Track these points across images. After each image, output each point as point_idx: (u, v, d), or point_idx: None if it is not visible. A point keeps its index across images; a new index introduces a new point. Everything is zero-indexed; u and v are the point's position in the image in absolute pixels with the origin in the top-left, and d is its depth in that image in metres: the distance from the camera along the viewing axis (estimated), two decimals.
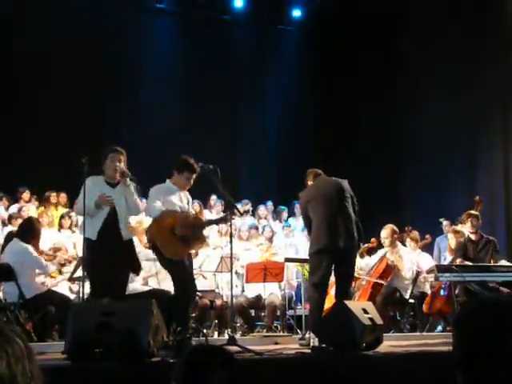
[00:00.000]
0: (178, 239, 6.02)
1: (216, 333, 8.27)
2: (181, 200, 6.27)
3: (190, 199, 6.52)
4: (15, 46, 11.25)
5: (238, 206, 10.40)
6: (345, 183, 6.54)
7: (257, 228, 9.72)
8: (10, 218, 8.89)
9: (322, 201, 6.37)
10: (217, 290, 8.48)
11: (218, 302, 8.27)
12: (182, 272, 6.07)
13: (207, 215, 10.11)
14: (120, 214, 6.09)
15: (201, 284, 7.76)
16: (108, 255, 5.89)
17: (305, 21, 13.62)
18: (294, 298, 8.98)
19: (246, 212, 7.11)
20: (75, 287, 7.76)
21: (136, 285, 7.25)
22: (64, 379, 4.14)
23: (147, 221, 7.14)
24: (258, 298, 8.53)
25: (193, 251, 6.65)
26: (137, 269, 6.45)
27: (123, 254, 6.10)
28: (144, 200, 7.07)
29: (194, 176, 6.27)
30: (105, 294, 5.82)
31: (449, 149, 11.54)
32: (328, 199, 6.37)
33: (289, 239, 10.22)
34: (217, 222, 7.13)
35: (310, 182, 6.67)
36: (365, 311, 5.61)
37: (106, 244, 5.92)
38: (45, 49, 11.23)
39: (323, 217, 6.29)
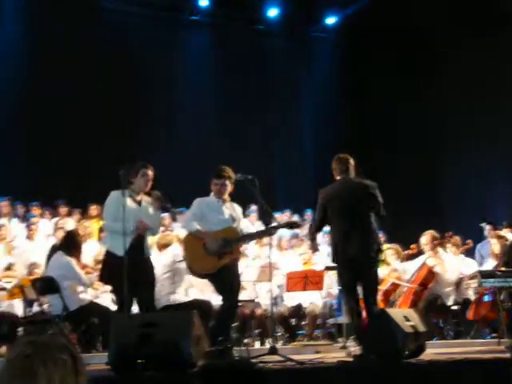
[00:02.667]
0: (207, 254, 6.05)
1: (257, 342, 8.27)
2: (221, 213, 6.23)
3: (238, 210, 6.42)
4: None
5: (277, 215, 10.46)
6: (371, 186, 6.20)
7: (297, 237, 9.69)
8: (55, 231, 9.05)
9: (341, 207, 6.11)
10: (257, 300, 8.48)
11: (259, 311, 8.27)
12: (221, 283, 6.10)
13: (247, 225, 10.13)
14: (145, 233, 6.22)
15: (241, 294, 7.77)
16: (134, 270, 5.90)
17: (339, 28, 13.62)
18: (335, 306, 8.92)
19: (293, 224, 6.98)
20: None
21: (177, 296, 7.30)
22: None
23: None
24: (299, 306, 8.51)
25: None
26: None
27: (147, 268, 6.24)
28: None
29: (222, 181, 6.19)
30: (130, 308, 5.94)
31: (489, 152, 11.41)
32: (347, 206, 6.10)
33: (329, 247, 10.13)
34: (256, 235, 7.04)
35: (335, 173, 6.29)
36: (406, 319, 5.55)
37: (132, 259, 5.91)
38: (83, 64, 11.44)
39: (343, 222, 6.07)
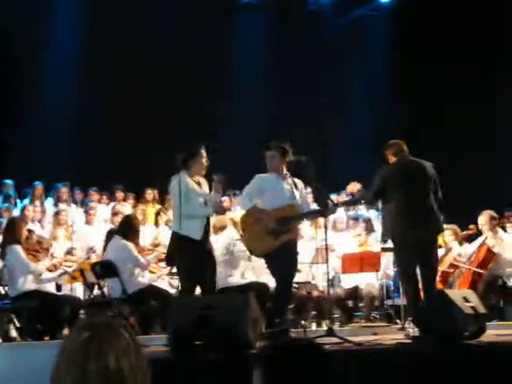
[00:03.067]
0: (264, 233, 6.00)
1: (314, 324, 8.28)
2: (280, 189, 6.13)
3: (300, 186, 6.31)
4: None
5: (333, 196, 10.39)
6: (429, 167, 6.14)
7: (355, 219, 9.60)
8: (113, 215, 9.21)
9: (403, 185, 5.99)
10: (313, 282, 8.47)
11: (315, 293, 8.27)
12: (277, 263, 6.07)
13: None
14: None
15: (296, 276, 7.77)
16: (205, 254, 6.02)
17: (393, 6, 13.38)
18: (392, 288, 8.85)
19: (354, 202, 6.91)
20: (175, 282, 7.94)
21: (234, 278, 7.35)
22: (167, 371, 4.24)
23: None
24: (355, 288, 8.47)
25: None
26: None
27: (211, 251, 6.28)
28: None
29: (271, 153, 6.14)
30: (193, 291, 6.00)
31: None
32: (410, 184, 6.00)
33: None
34: (316, 214, 6.89)
35: (390, 156, 6.24)
36: (466, 300, 5.45)
37: (204, 243, 6.04)
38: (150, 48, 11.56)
39: (402, 203, 5.94)
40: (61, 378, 1.58)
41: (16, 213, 9.02)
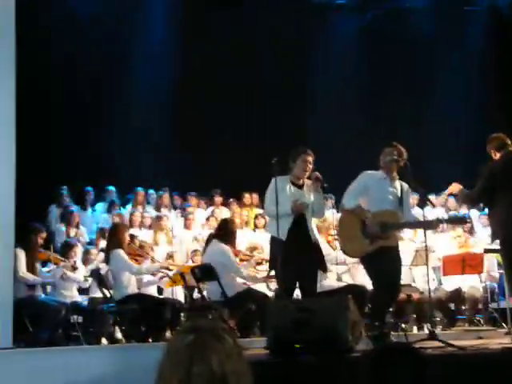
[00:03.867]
0: (360, 235, 5.88)
1: (415, 327, 8.11)
2: (385, 191, 5.99)
3: (407, 192, 6.16)
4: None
5: (432, 197, 10.15)
6: None
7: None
8: (207, 220, 9.36)
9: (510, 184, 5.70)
10: (413, 284, 8.31)
11: (415, 296, 8.10)
12: (374, 268, 5.94)
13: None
14: (307, 215, 6.17)
15: None
16: (298, 254, 5.93)
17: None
18: (497, 290, 8.55)
19: (461, 220, 6.67)
20: (273, 285, 7.98)
21: (331, 281, 7.30)
22: (267, 374, 4.27)
23: (333, 219, 7.20)
24: (458, 291, 8.24)
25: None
26: (325, 268, 6.45)
27: (311, 253, 6.14)
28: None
29: (390, 151, 6.00)
30: (292, 293, 5.96)
31: None
32: None
33: (487, 229, 9.69)
34: (417, 225, 6.73)
35: (493, 151, 5.95)
36: None
37: (296, 244, 5.97)
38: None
39: (510, 203, 5.65)
40: (166, 379, 1.62)
41: (123, 218, 9.32)
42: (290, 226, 6.01)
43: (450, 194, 6.83)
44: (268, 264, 6.61)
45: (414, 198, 10.00)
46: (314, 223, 6.69)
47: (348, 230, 6.00)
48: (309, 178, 6.27)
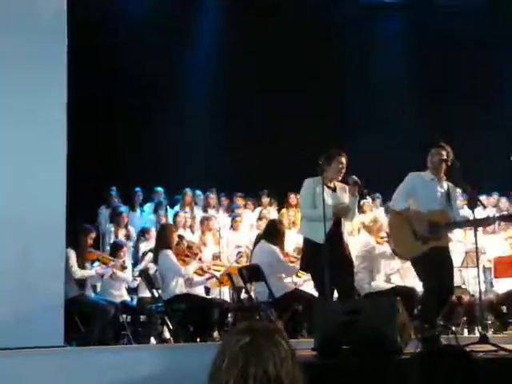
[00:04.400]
0: (411, 236, 5.80)
1: (466, 330, 7.98)
2: (433, 191, 5.92)
3: (454, 193, 6.11)
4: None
5: (483, 198, 9.97)
6: None
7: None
8: (257, 221, 9.38)
9: None
10: (463, 286, 8.17)
11: (466, 298, 7.97)
12: (423, 269, 5.86)
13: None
14: (342, 219, 6.18)
15: None
16: (334, 257, 5.88)
17: None
18: None
19: None
20: None
21: (379, 282, 7.23)
22: (315, 375, 4.25)
23: (383, 219, 7.13)
24: (510, 293, 8.07)
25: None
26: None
27: (345, 255, 6.19)
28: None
29: (437, 151, 5.92)
30: (332, 295, 5.94)
31: None
32: None
33: None
34: (467, 224, 6.60)
35: None
36: None
37: (331, 246, 5.91)
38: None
39: None
40: (222, 379, 1.63)
41: (168, 219, 9.41)
42: (328, 229, 5.94)
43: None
44: (300, 264, 6.58)
45: (462, 199, 9.91)
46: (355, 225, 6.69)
47: (399, 232, 5.93)
48: (342, 180, 6.27)
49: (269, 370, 1.59)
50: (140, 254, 8.61)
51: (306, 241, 6.21)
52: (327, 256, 5.79)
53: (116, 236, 9.00)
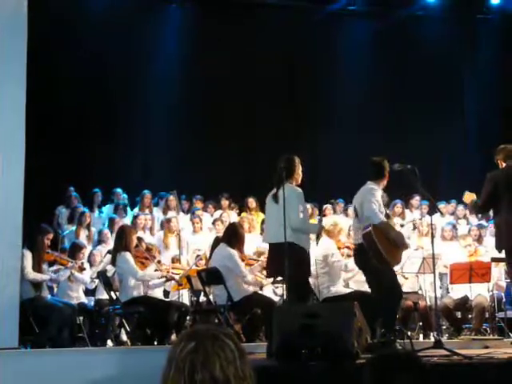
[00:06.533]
0: (391, 246, 6.03)
1: (421, 335, 8.08)
2: (383, 202, 6.28)
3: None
4: None
5: (441, 205, 10.13)
6: None
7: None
8: (213, 224, 9.33)
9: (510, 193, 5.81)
10: (420, 292, 8.28)
11: (422, 303, 8.07)
12: (392, 275, 6.10)
13: (408, 215, 9.92)
14: None
15: (403, 286, 7.62)
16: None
17: (505, 8, 12.90)
18: (504, 300, 8.51)
19: None
20: (279, 290, 7.96)
21: (338, 287, 7.28)
22: (272, 378, 4.26)
23: (343, 223, 7.20)
24: (465, 299, 8.20)
25: None
26: None
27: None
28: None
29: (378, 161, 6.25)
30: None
31: None
32: None
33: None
34: None
35: (500, 162, 6.09)
36: None
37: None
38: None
39: (509, 213, 5.75)
40: None
41: (126, 221, 9.33)
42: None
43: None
44: (273, 269, 6.52)
45: (423, 207, 10.07)
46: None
47: (384, 242, 6.02)
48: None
49: (215, 374, 1.58)
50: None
51: (294, 246, 6.00)
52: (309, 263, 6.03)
53: (77, 237, 8.90)
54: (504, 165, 6.05)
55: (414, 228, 8.88)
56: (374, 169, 6.26)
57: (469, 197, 6.23)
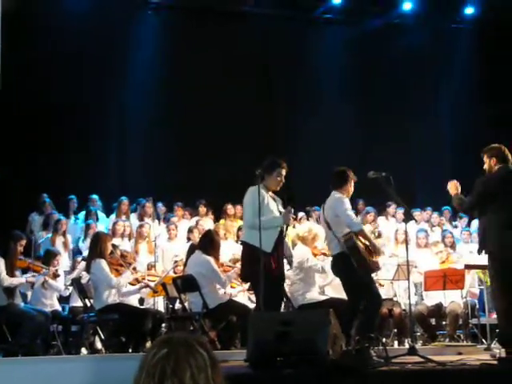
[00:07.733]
0: (374, 251, 6.11)
1: (396, 342, 8.12)
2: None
3: None
4: None
5: (417, 213, 10.22)
6: None
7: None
8: (189, 231, 9.26)
9: (503, 198, 5.68)
10: (395, 299, 8.33)
11: (397, 310, 8.12)
12: (372, 284, 6.17)
13: (382, 223, 9.99)
14: (284, 227, 6.21)
15: None
16: (281, 266, 6.01)
17: (479, 18, 13.10)
18: (477, 306, 8.59)
19: None
20: (254, 297, 7.95)
21: (313, 294, 7.30)
22: None
23: (317, 229, 7.22)
24: (439, 306, 8.26)
25: None
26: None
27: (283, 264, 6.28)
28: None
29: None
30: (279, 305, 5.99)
31: None
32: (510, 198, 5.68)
33: (468, 245, 9.71)
34: None
35: (493, 161, 5.88)
36: None
37: (279, 256, 6.02)
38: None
39: (501, 218, 5.65)
40: None
41: (100, 228, 9.27)
42: (276, 238, 5.99)
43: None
44: (245, 275, 6.47)
45: (399, 215, 10.16)
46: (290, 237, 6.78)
47: (365, 250, 6.05)
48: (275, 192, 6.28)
49: (185, 382, 1.58)
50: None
51: (254, 249, 5.92)
52: (276, 265, 5.92)
53: (53, 244, 8.83)
54: (493, 163, 5.89)
55: (379, 236, 8.91)
56: (337, 178, 6.29)
57: (453, 186, 6.08)
